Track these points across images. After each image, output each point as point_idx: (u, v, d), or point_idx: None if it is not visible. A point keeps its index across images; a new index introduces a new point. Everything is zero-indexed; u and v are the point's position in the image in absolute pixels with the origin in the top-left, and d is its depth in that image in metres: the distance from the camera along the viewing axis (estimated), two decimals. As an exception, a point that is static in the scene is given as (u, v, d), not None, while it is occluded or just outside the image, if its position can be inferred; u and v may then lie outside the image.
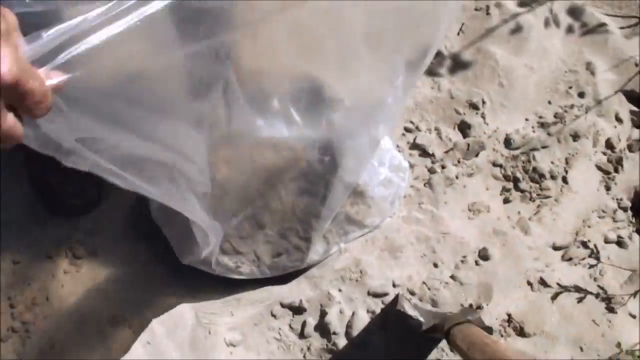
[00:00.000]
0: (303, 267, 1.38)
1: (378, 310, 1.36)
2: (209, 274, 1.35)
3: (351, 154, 1.25)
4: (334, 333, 1.34)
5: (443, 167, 1.49)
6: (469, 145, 1.51)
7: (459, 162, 1.50)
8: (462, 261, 1.41)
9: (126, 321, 1.36)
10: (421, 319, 1.23)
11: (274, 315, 1.37)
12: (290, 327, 1.37)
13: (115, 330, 1.34)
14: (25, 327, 1.33)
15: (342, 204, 1.33)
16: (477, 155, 1.51)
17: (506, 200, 1.50)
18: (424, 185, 1.48)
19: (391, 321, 1.33)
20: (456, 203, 1.47)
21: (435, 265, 1.41)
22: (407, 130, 1.54)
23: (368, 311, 1.36)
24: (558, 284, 1.42)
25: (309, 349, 1.34)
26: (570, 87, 1.60)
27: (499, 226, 1.46)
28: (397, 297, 1.35)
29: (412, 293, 1.38)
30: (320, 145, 1.27)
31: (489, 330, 1.23)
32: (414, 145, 1.52)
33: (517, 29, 1.65)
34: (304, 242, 1.34)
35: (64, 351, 1.33)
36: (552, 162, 1.53)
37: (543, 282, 1.41)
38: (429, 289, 1.38)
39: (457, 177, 1.49)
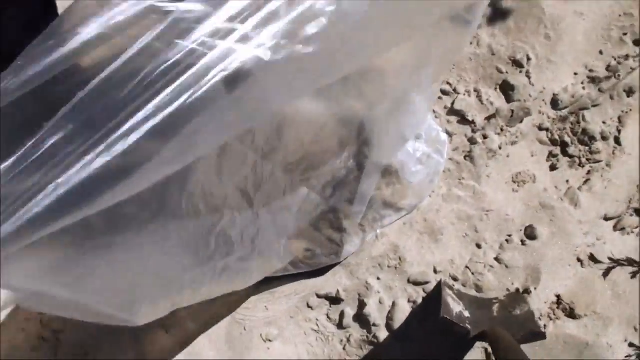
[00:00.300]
0: (340, 262, 1.30)
1: (419, 300, 1.29)
2: (240, 269, 1.28)
3: (384, 132, 1.14)
4: (374, 325, 1.28)
5: (485, 136, 1.36)
6: (512, 111, 1.37)
7: (502, 130, 1.37)
8: (507, 241, 1.32)
9: (159, 322, 1.31)
10: (468, 326, 1.16)
11: (310, 307, 1.32)
12: (328, 317, 1.31)
13: (148, 332, 1.30)
14: (56, 336, 1.29)
15: (374, 187, 1.23)
16: (521, 122, 1.38)
17: (553, 167, 1.38)
18: (465, 158, 1.36)
19: (434, 313, 1.26)
20: (499, 175, 1.36)
21: (479, 247, 1.32)
22: (443, 93, 1.40)
23: (409, 301, 1.29)
24: (610, 259, 1.33)
25: (348, 340, 1.29)
26: (625, 34, 1.43)
27: (546, 199, 1.35)
28: (439, 284, 1.28)
29: (455, 279, 1.30)
30: (351, 122, 1.15)
31: (542, 336, 1.15)
32: (452, 111, 1.39)
33: (564, -33, 1.46)
34: (337, 234, 1.25)
35: (97, 357, 1.29)
36: (604, 122, 1.39)
37: (594, 258, 1.32)
38: (472, 273, 1.31)
39: (500, 148, 1.36)
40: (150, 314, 0.97)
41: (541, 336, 1.12)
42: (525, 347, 1.20)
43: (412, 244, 1.32)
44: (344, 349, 1.29)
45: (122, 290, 0.84)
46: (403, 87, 1.04)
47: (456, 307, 1.20)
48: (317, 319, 1.31)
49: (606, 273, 1.32)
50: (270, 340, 1.30)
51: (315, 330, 1.31)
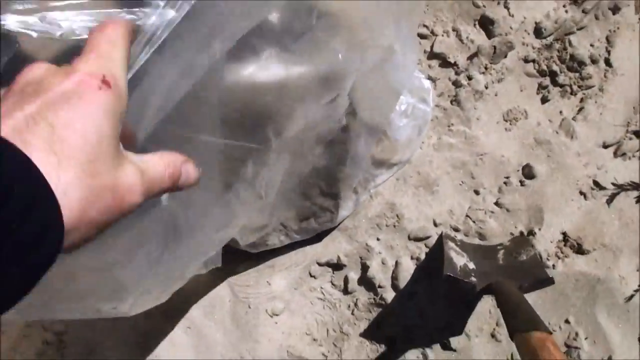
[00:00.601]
0: (335, 226, 1.26)
1: (422, 255, 1.26)
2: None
3: (370, 89, 1.08)
4: (380, 286, 1.25)
5: (469, 77, 1.30)
6: (495, 47, 1.30)
7: (486, 68, 1.31)
8: (505, 183, 1.28)
9: (160, 312, 1.29)
10: (473, 279, 1.12)
11: (313, 276, 1.28)
12: (333, 284, 1.28)
13: (150, 322, 1.27)
14: (60, 338, 1.26)
15: (369, 147, 1.18)
16: (505, 57, 1.31)
17: (544, 100, 1.32)
18: (451, 103, 1.30)
19: (438, 267, 1.23)
20: (489, 116, 1.31)
21: (477, 193, 1.28)
22: (421, 36, 1.33)
23: (412, 258, 1.26)
24: (613, 184, 1.28)
25: (356, 304, 1.27)
26: (604, -53, 1.35)
27: (541, 134, 1.30)
28: (440, 237, 1.24)
29: (456, 229, 1.27)
30: (327, 83, 1.10)
31: (550, 281, 1.11)
32: (432, 55, 1.33)
33: None
34: (330, 200, 1.20)
35: (104, 353, 1.27)
36: (592, 45, 1.33)
37: (597, 186, 1.28)
38: (473, 221, 1.27)
39: (486, 87, 1.30)
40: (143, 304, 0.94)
41: (549, 282, 1.09)
42: (536, 292, 1.18)
43: (408, 199, 1.28)
44: (352, 313, 1.27)
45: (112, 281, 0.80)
46: (380, 40, 0.98)
47: (460, 260, 1.17)
48: (321, 287, 1.28)
49: (610, 200, 1.28)
50: (277, 315, 1.28)
51: (321, 299, 1.28)
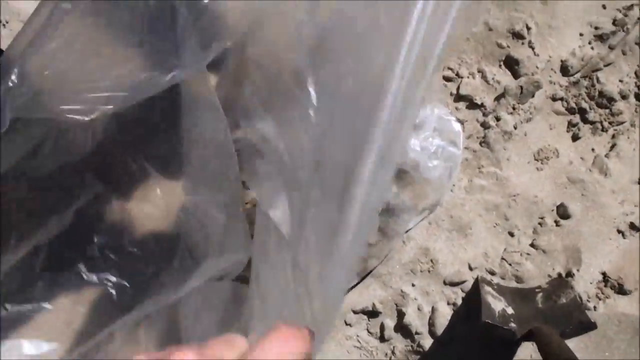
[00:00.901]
0: (367, 274, 1.25)
1: (459, 301, 1.24)
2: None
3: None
4: (417, 333, 1.23)
5: (497, 118, 1.30)
6: (522, 87, 1.30)
7: (514, 108, 1.30)
8: (540, 224, 1.26)
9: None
10: (512, 325, 1.10)
11: (348, 324, 1.27)
12: (369, 332, 1.27)
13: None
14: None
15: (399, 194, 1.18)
16: (533, 96, 1.31)
17: (575, 137, 1.31)
18: (480, 144, 1.30)
19: (475, 313, 1.21)
20: (520, 156, 1.29)
21: (512, 235, 1.26)
22: (446, 79, 1.33)
23: (448, 303, 1.24)
24: (651, 222, 1.26)
25: (393, 352, 1.25)
26: (627, -17, 1.35)
27: (573, 173, 1.28)
28: (476, 281, 1.23)
29: (492, 273, 1.25)
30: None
31: (592, 326, 1.08)
32: (459, 97, 1.32)
33: None
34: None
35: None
36: (620, 80, 1.32)
37: (634, 226, 1.25)
38: (509, 264, 1.25)
39: (515, 128, 1.30)
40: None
41: (592, 326, 1.07)
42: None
43: (441, 243, 1.27)
44: (389, 361, 1.25)
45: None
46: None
47: (497, 305, 1.14)
48: (357, 335, 1.27)
49: (650, 238, 1.25)
50: (313, 366, 1.26)
51: (358, 347, 1.26)
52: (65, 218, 0.71)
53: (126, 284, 0.75)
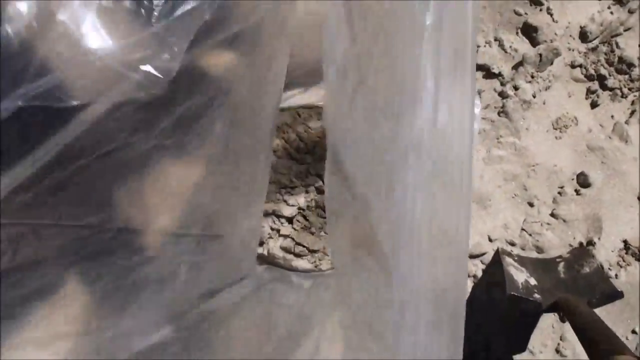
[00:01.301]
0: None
1: (479, 273, 1.23)
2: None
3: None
4: (438, 305, 1.23)
5: (515, 87, 1.27)
6: (540, 55, 1.27)
7: (532, 77, 1.28)
8: (560, 193, 1.25)
9: None
10: (537, 296, 1.09)
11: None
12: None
13: None
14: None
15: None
16: (551, 64, 1.28)
17: (594, 104, 1.29)
18: (498, 114, 1.28)
19: (496, 284, 1.20)
20: (539, 125, 1.28)
21: (531, 205, 1.25)
22: (462, 49, 1.31)
23: (468, 275, 1.23)
24: (671, 189, 1.25)
25: (413, 325, 1.24)
26: (647, -55, 1.31)
27: (593, 140, 1.27)
28: (497, 253, 1.22)
29: (512, 244, 1.24)
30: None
31: (619, 295, 1.07)
32: (476, 67, 1.30)
33: None
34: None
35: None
36: (640, 45, 1.29)
37: (655, 192, 1.24)
38: (529, 234, 1.24)
39: (534, 96, 1.28)
40: None
41: (618, 295, 1.06)
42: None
43: (460, 215, 1.25)
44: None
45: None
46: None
47: (520, 276, 1.14)
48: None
49: (671, 206, 1.24)
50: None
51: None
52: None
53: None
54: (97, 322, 0.74)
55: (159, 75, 0.59)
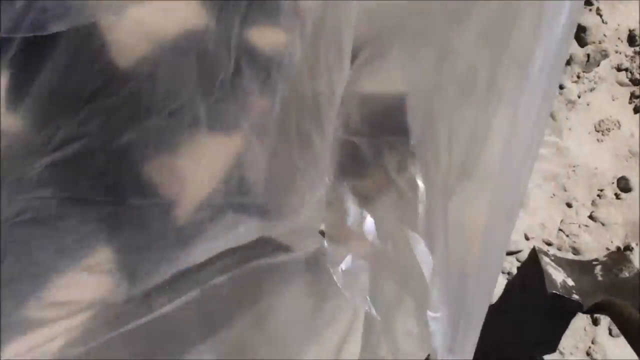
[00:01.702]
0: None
1: (514, 270, 1.22)
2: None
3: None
4: (469, 301, 1.22)
5: (561, 86, 1.26)
6: (588, 55, 1.26)
7: (578, 77, 1.27)
8: (599, 196, 1.24)
9: None
10: (576, 296, 1.08)
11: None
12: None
13: None
14: None
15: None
16: (598, 65, 1.27)
17: (637, 110, 1.28)
18: (542, 112, 1.26)
19: (532, 283, 1.19)
20: (581, 126, 1.27)
21: (570, 206, 1.24)
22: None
23: (503, 272, 1.23)
24: None
25: (442, 319, 1.23)
26: (701, -48, 1.30)
27: (634, 145, 1.26)
28: (533, 251, 1.21)
29: (549, 243, 1.23)
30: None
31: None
32: (521, 64, 1.29)
33: None
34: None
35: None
36: (687, 53, 1.28)
37: (694, 202, 1.24)
38: (566, 235, 1.23)
39: (579, 97, 1.27)
40: None
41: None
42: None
43: (497, 212, 1.24)
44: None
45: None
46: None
47: (558, 276, 1.13)
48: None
49: None
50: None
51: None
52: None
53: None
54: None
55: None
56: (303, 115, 0.81)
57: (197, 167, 0.77)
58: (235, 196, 0.78)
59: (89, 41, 0.59)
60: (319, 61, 0.78)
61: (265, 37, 0.71)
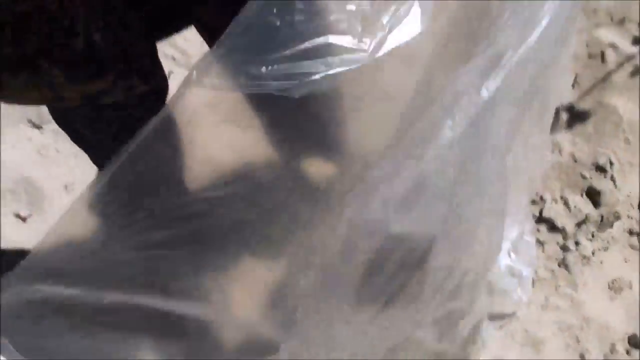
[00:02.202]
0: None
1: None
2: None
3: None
4: None
5: (577, 243, 1.37)
6: (602, 216, 1.38)
7: (593, 236, 1.38)
8: (611, 351, 1.30)
9: None
10: None
11: None
12: None
13: None
14: None
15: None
16: (612, 227, 1.39)
17: (648, 274, 1.37)
18: (559, 265, 1.36)
19: None
20: (596, 282, 1.36)
21: (582, 358, 1.30)
22: (530, 202, 1.42)
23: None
24: None
25: None
26: None
27: (645, 306, 1.34)
28: (547, 399, 1.26)
29: (563, 392, 1.28)
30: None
31: None
32: (541, 219, 1.40)
33: (636, 71, 1.51)
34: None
35: None
36: (695, 223, 1.40)
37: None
38: (580, 386, 1.28)
39: (593, 254, 1.37)
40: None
41: None
42: None
43: (514, 356, 1.30)
44: None
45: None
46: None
47: None
48: None
49: None
50: None
51: None
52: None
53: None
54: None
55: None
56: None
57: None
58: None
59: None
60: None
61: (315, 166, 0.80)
